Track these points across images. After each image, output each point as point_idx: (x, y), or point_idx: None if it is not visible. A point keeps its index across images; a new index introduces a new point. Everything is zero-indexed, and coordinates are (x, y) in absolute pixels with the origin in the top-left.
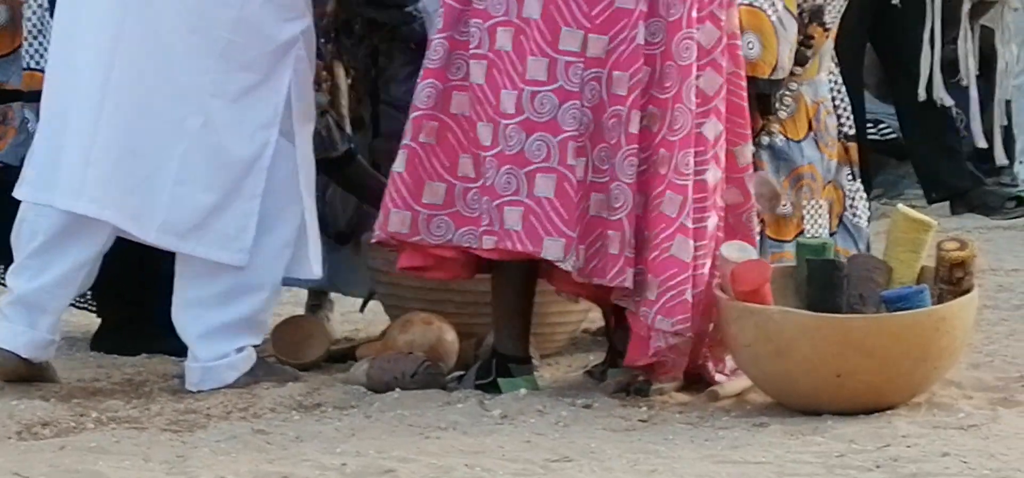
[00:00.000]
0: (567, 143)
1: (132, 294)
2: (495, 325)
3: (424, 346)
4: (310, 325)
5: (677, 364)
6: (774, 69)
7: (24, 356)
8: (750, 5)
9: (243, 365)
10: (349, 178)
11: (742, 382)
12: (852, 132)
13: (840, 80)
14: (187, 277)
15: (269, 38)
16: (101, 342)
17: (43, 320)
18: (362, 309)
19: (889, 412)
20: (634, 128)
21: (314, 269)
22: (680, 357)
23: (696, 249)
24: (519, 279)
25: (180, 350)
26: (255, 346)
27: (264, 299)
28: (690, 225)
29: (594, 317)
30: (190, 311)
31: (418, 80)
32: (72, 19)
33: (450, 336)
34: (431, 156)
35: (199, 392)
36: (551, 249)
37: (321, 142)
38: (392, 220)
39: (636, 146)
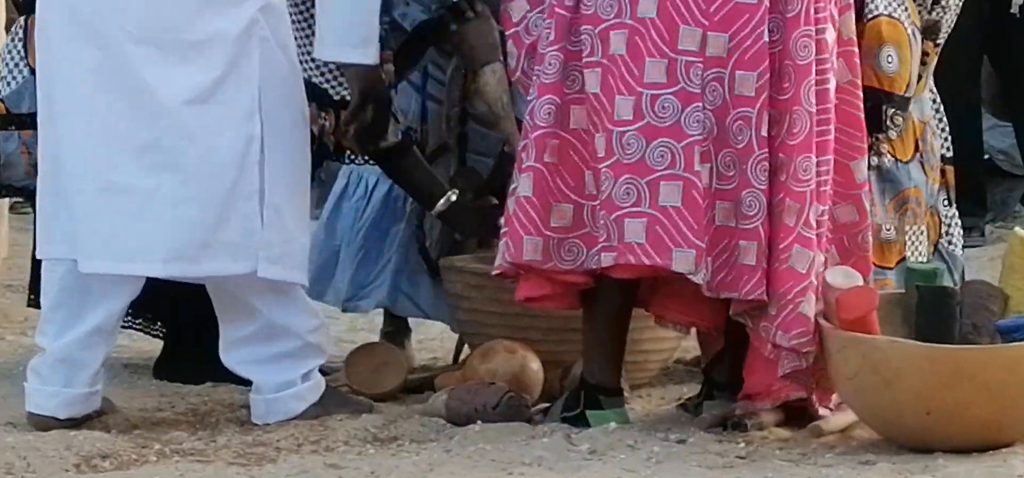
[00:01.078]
0: (693, 148)
1: (196, 319)
2: (585, 353)
3: (507, 376)
4: (385, 353)
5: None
6: (907, 86)
7: (62, 417)
8: (890, 17)
9: (311, 395)
10: (402, 170)
11: (847, 417)
12: (949, 154)
13: (939, 99)
14: (224, 319)
15: (224, 26)
16: (164, 369)
17: (80, 375)
18: (455, 359)
19: (1005, 450)
20: (765, 130)
21: (295, 274)
22: (804, 384)
23: (814, 262)
24: (614, 303)
25: (247, 378)
26: (324, 374)
27: (306, 312)
28: (809, 234)
29: (688, 346)
30: (237, 351)
31: (534, 97)
32: (49, 62)
33: (535, 365)
34: (555, 176)
35: (267, 425)
36: (681, 261)
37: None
38: (526, 247)
39: (767, 151)
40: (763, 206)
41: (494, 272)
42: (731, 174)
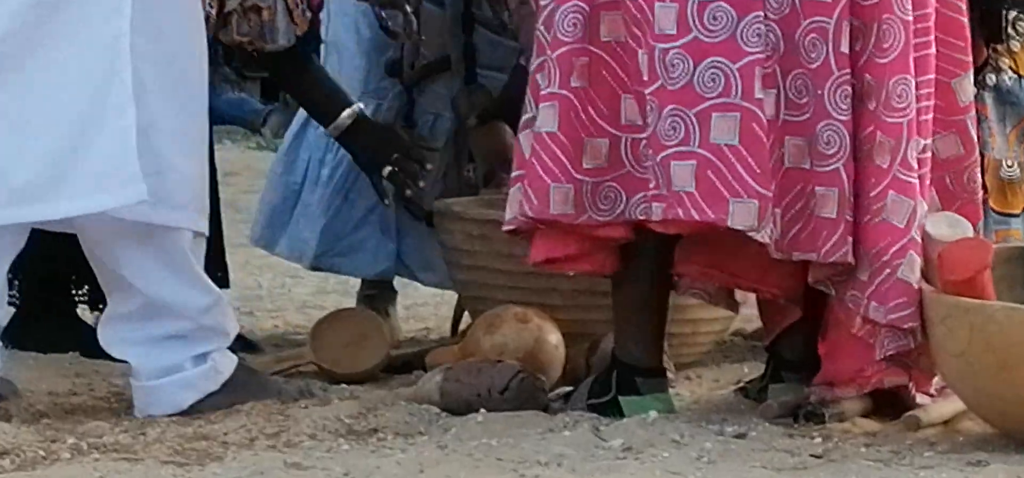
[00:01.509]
0: (752, 69)
1: (51, 275)
2: (617, 325)
3: (519, 352)
4: (363, 323)
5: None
6: None
7: None
8: None
9: (206, 382)
10: (291, 81)
11: (951, 405)
12: None
13: None
14: (105, 288)
15: None
16: (12, 335)
17: None
18: (453, 331)
19: None
20: (845, 45)
21: (189, 217)
22: (905, 368)
23: (916, 212)
24: (655, 262)
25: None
26: (237, 351)
27: (197, 285)
28: (907, 177)
29: (749, 314)
30: (111, 329)
31: (551, 2)
32: None
33: (553, 338)
34: (586, 104)
35: (210, 416)
36: (740, 214)
37: (260, 30)
38: (554, 198)
39: (849, 71)
40: (846, 142)
41: (506, 228)
42: (804, 102)
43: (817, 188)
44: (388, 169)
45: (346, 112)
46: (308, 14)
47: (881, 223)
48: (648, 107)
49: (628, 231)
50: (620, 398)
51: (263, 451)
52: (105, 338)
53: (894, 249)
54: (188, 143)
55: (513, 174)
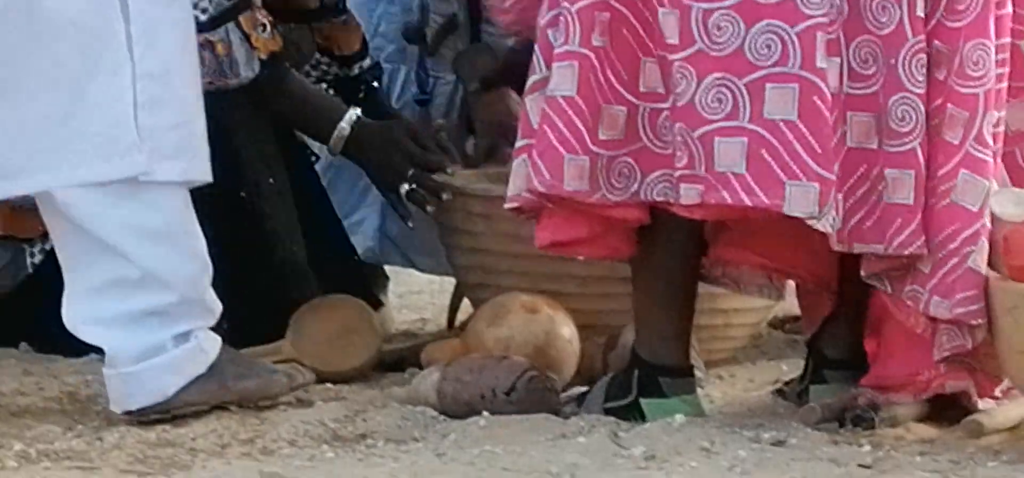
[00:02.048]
0: (813, 34)
1: None
2: (637, 318)
3: (526, 346)
4: (351, 314)
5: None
6: None
7: None
8: None
9: (191, 365)
10: (272, 107)
11: (1019, 409)
12: None
13: None
14: (69, 260)
15: None
16: None
17: None
18: (450, 322)
19: None
20: (921, 8)
21: (197, 170)
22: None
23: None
24: (680, 247)
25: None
26: (220, 330)
27: (186, 251)
28: (982, 154)
29: (788, 304)
30: (82, 305)
31: None
32: None
33: (566, 331)
34: (606, 66)
35: (137, 414)
36: (798, 200)
37: (217, 67)
38: (568, 172)
39: (924, 37)
40: (922, 119)
41: (509, 205)
42: (872, 73)
43: (887, 171)
44: (405, 188)
45: (343, 121)
46: (276, 32)
47: (950, 206)
48: (677, 75)
49: (644, 213)
50: (642, 400)
51: (236, 459)
52: (72, 317)
53: (965, 235)
54: (197, 88)
55: (518, 144)
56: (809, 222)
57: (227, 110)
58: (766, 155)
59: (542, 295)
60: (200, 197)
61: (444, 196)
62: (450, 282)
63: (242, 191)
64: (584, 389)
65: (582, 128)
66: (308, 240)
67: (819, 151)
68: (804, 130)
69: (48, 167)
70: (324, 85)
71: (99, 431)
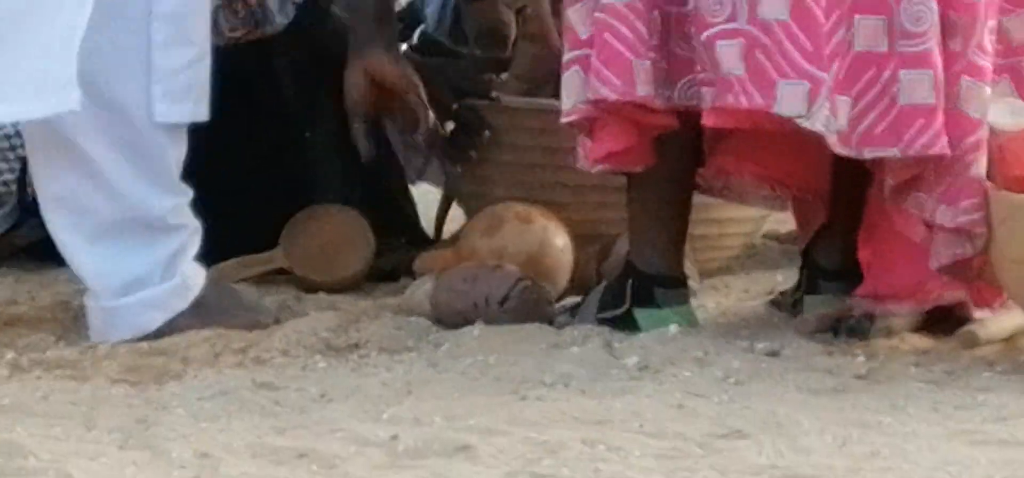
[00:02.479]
0: None
1: None
2: (631, 228)
3: (520, 256)
4: (343, 223)
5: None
6: None
7: None
8: None
9: (175, 300)
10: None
11: (1013, 319)
12: None
13: None
14: (39, 162)
15: None
16: None
17: None
18: (437, 232)
19: None
20: None
21: (200, 110)
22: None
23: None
24: (679, 156)
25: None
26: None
27: (166, 181)
28: (982, 61)
29: (782, 216)
30: (58, 215)
31: None
32: None
33: (560, 241)
34: None
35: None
36: (788, 98)
37: (250, 17)
38: (639, 76)
39: None
40: (936, 18)
41: (566, 119)
42: None
43: (902, 72)
44: (451, 125)
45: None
46: None
47: (953, 112)
48: None
49: (677, 120)
50: (635, 310)
51: (228, 369)
52: (53, 224)
53: (969, 141)
54: (207, 24)
55: (566, 56)
56: (798, 121)
57: (269, 58)
58: (760, 55)
59: (536, 204)
60: (245, 149)
61: (486, 134)
62: (436, 192)
63: (284, 140)
64: (577, 299)
65: (644, 31)
66: (356, 179)
67: (810, 50)
68: (796, 29)
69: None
70: None
71: (93, 342)
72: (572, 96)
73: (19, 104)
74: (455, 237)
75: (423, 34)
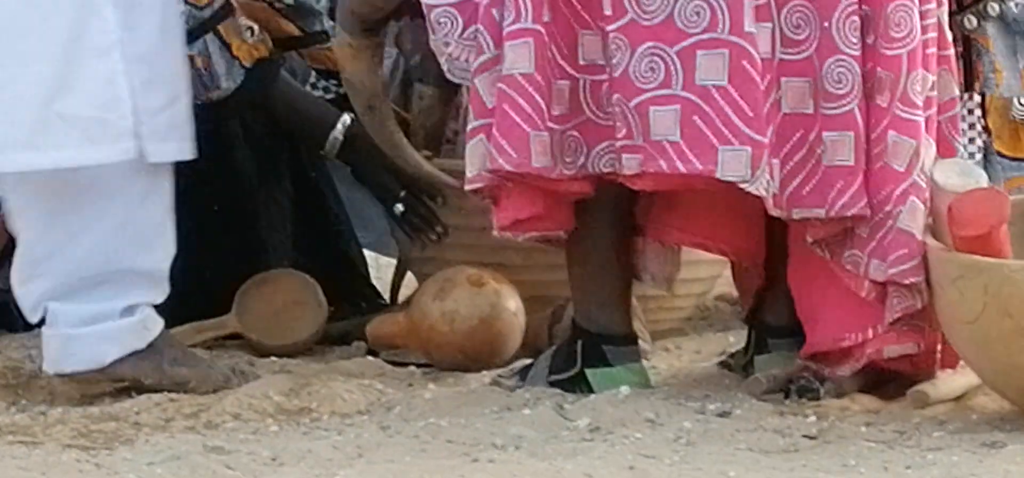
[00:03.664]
0: (742, 0)
1: None
2: (575, 290)
3: (472, 320)
4: (296, 287)
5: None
6: None
7: None
8: None
9: (133, 339)
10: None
11: (964, 379)
12: None
13: None
14: (26, 230)
15: None
16: None
17: None
18: (393, 297)
19: None
20: None
21: (185, 148)
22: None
23: (921, 151)
24: (616, 216)
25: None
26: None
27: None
28: (909, 115)
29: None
30: (31, 269)
31: None
32: None
33: (512, 304)
34: (552, 41)
35: (69, 377)
36: (731, 164)
37: (198, 81)
38: (535, 149)
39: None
40: (858, 80)
41: (470, 186)
42: (803, 37)
43: (825, 134)
44: (400, 208)
45: (337, 127)
46: (263, 37)
47: (883, 168)
48: (612, 46)
49: (590, 186)
50: (587, 371)
51: (180, 433)
52: (20, 279)
53: (895, 194)
54: (183, 62)
55: (471, 125)
56: (742, 186)
57: (220, 122)
58: (699, 121)
59: (487, 268)
60: (197, 214)
61: (437, 229)
62: (390, 258)
63: (236, 205)
64: (528, 362)
65: (542, 104)
66: (307, 244)
67: (751, 115)
68: (735, 95)
69: (33, 145)
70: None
71: (43, 406)
72: (475, 164)
73: (76, 150)
74: (408, 302)
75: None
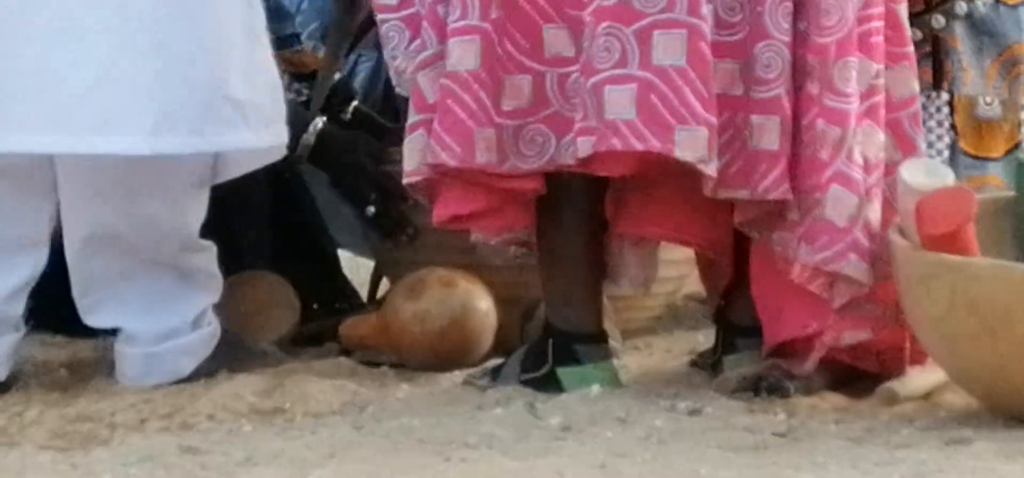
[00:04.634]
0: None
1: None
2: (547, 289)
3: (443, 319)
4: (269, 288)
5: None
6: None
7: None
8: None
9: (203, 347)
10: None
11: (932, 376)
12: None
13: None
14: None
15: None
16: None
17: None
18: (371, 297)
19: None
20: None
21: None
22: (868, 321)
23: (848, 139)
24: (585, 210)
25: (73, 324)
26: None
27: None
28: (839, 104)
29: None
30: (102, 285)
31: None
32: None
33: (483, 304)
34: (503, 38)
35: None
36: (688, 144)
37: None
38: (479, 145)
39: None
40: (787, 66)
41: (407, 180)
42: (736, 20)
43: (753, 117)
44: (371, 210)
45: (309, 130)
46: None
47: (811, 156)
48: (586, 31)
49: (541, 183)
50: (558, 369)
51: (155, 434)
52: (88, 304)
53: (821, 182)
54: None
55: (411, 120)
56: (698, 166)
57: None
58: (655, 100)
59: (459, 269)
60: None
61: (408, 230)
62: (368, 260)
63: (212, 207)
64: (499, 361)
65: (487, 101)
66: (282, 245)
67: (706, 96)
68: (693, 76)
69: (206, 128)
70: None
71: (18, 407)
72: (415, 159)
73: (236, 133)
74: (380, 302)
75: (356, 109)
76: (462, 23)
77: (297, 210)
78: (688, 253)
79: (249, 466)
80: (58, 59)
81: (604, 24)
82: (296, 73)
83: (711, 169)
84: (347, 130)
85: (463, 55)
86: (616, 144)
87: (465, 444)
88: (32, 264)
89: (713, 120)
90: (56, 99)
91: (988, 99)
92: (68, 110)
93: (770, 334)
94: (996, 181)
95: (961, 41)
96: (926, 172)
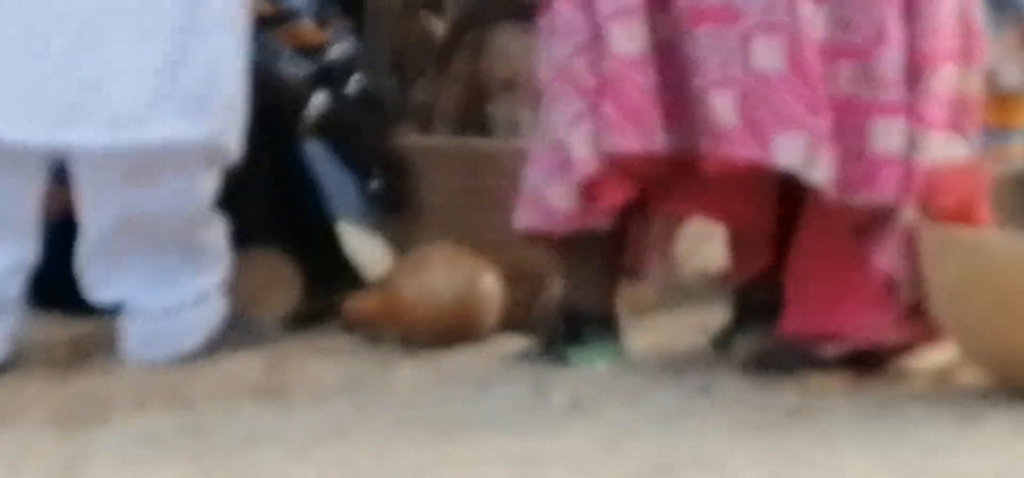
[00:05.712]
0: None
1: None
2: (566, 269)
3: (447, 296)
4: (271, 266)
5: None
6: None
7: None
8: None
9: (208, 322)
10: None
11: (944, 353)
12: None
13: None
14: (98, 213)
15: None
16: None
17: None
18: (375, 274)
19: None
20: None
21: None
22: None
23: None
24: (624, 196)
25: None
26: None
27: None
28: (933, 110)
29: (712, 253)
30: (108, 258)
31: None
32: None
33: (488, 280)
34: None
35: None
36: (786, 151)
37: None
38: (655, 127)
39: None
40: (899, 71)
41: (584, 170)
42: (855, 18)
43: (876, 119)
44: (375, 184)
45: (311, 105)
46: None
47: (911, 160)
48: (680, 26)
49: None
50: (567, 348)
51: (154, 413)
52: (95, 279)
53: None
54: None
55: (578, 105)
56: (798, 173)
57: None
58: (755, 105)
59: (463, 245)
60: None
61: (412, 206)
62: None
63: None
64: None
65: (655, 83)
66: (286, 222)
67: (810, 100)
68: (794, 80)
69: (158, 120)
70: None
71: (20, 386)
72: (589, 146)
73: (190, 123)
74: (383, 279)
75: (362, 84)
76: (619, 4)
77: (299, 187)
78: (695, 228)
79: (250, 446)
80: (77, 54)
81: (706, 27)
82: (297, 48)
83: (815, 175)
84: (350, 104)
85: (624, 38)
86: (725, 150)
87: (468, 423)
88: (23, 246)
89: (817, 123)
90: (73, 93)
91: (1010, 70)
92: (90, 104)
93: (801, 318)
94: (1021, 151)
95: (982, 8)
96: (939, 146)
